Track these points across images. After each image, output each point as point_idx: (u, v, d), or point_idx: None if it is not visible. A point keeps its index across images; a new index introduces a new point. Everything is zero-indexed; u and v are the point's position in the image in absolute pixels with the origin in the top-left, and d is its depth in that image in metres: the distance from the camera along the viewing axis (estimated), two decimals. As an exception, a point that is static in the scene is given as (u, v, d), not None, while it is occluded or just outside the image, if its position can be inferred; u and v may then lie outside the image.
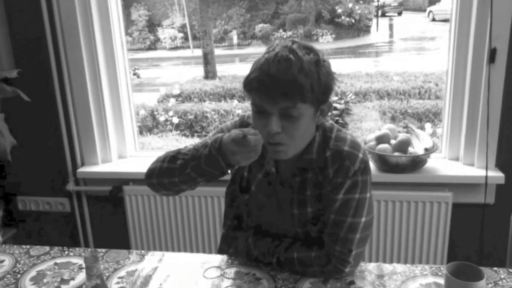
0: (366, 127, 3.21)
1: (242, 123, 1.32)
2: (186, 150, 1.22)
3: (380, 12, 5.65)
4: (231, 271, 1.31)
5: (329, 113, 1.25)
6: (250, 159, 1.11)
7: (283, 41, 1.15)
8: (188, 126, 3.68)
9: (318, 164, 1.23)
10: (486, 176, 2.02)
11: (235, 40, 5.21)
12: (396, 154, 2.05)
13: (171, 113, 3.69)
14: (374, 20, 5.42)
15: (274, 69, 1.08)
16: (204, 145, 1.17)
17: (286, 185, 1.29)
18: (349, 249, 1.21)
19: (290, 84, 1.07)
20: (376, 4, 5.47)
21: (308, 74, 1.08)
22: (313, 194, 1.25)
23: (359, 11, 5.06)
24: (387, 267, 1.31)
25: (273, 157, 1.22)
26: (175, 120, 3.61)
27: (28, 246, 1.48)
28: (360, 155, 1.21)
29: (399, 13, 6.10)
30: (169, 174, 1.22)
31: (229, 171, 1.18)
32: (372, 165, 2.12)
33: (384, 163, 2.07)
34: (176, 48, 5.34)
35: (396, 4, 6.10)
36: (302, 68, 1.08)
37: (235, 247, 1.39)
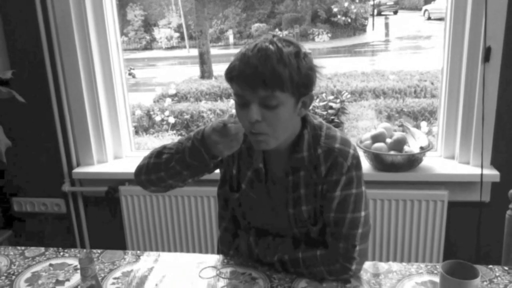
0: (362, 126, 3.21)
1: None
2: (171, 145, 1.25)
3: (376, 11, 5.66)
4: (227, 271, 1.31)
5: (311, 105, 1.26)
6: (232, 148, 1.13)
7: (264, 35, 1.16)
8: (185, 126, 3.67)
9: (310, 162, 1.23)
10: (482, 174, 2.03)
11: (231, 39, 5.21)
12: (392, 153, 2.05)
13: (167, 113, 3.68)
14: (370, 19, 5.43)
15: (254, 58, 1.09)
16: (188, 138, 1.20)
17: (278, 184, 1.29)
18: (353, 244, 1.21)
19: (268, 73, 1.08)
20: (372, 3, 5.48)
21: (286, 63, 1.09)
22: (307, 192, 1.25)
23: (355, 10, 5.07)
24: (383, 266, 1.31)
25: (255, 147, 1.22)
26: (171, 120, 3.61)
27: (23, 248, 1.48)
28: (351, 151, 1.22)
29: (395, 12, 6.11)
30: (156, 170, 1.25)
31: (212, 164, 1.19)
32: (368, 164, 2.13)
33: (380, 162, 2.07)
34: (172, 48, 5.33)
35: (392, 3, 6.11)
36: (281, 57, 1.09)
37: (235, 248, 1.39)
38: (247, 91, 1.11)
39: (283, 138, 1.20)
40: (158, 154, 1.26)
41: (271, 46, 1.10)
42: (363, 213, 1.22)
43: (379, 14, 5.72)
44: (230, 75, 1.14)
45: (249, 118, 1.12)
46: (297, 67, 1.11)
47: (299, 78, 1.11)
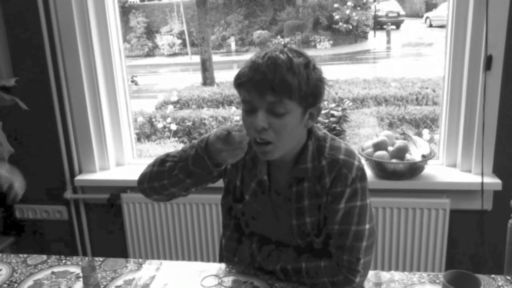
0: (364, 133, 3.22)
1: None
2: (174, 153, 1.25)
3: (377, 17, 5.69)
4: (228, 280, 1.31)
5: (318, 118, 1.26)
6: (236, 156, 1.13)
7: (275, 45, 1.17)
8: (186, 132, 3.68)
9: (314, 173, 1.23)
10: (482, 183, 2.03)
11: (233, 46, 5.23)
12: (394, 161, 2.05)
13: (169, 119, 3.69)
14: (372, 26, 5.44)
15: (263, 65, 1.10)
16: (191, 146, 1.20)
17: (282, 195, 1.28)
18: (357, 257, 1.20)
19: (277, 80, 1.09)
20: (373, 11, 5.51)
21: (296, 72, 1.10)
22: (310, 203, 1.25)
23: (356, 18, 5.10)
24: (385, 275, 1.31)
25: (260, 157, 1.22)
26: (173, 127, 3.62)
27: (25, 255, 1.48)
28: (356, 162, 1.22)
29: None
30: (159, 178, 1.24)
31: (216, 172, 1.18)
32: (369, 172, 2.13)
33: (382, 170, 2.07)
34: (174, 54, 5.36)
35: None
36: (291, 66, 1.10)
37: (239, 254, 1.38)
38: (255, 97, 1.12)
39: (288, 148, 1.20)
40: (161, 162, 1.26)
41: (281, 55, 1.11)
42: (367, 226, 1.22)
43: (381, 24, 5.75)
44: (239, 81, 1.14)
45: (256, 125, 1.12)
46: (306, 77, 1.11)
47: (308, 88, 1.12)
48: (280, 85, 1.09)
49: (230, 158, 1.12)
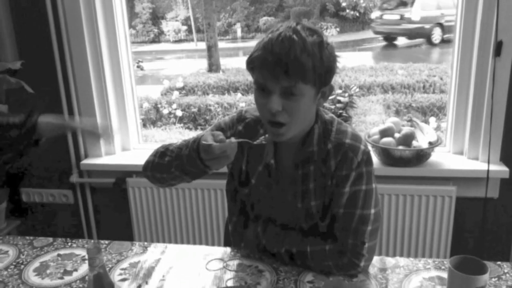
0: (370, 120, 3.20)
1: (240, 118, 1.33)
2: (173, 147, 1.25)
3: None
4: (233, 263, 1.31)
5: (330, 97, 1.24)
6: (221, 164, 1.12)
7: (287, 22, 1.15)
8: (192, 119, 3.67)
9: (320, 156, 1.22)
10: (488, 170, 2.01)
11: (239, 33, 5.20)
12: (400, 147, 2.04)
13: (174, 106, 3.68)
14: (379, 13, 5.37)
15: (277, 47, 1.08)
16: (186, 145, 1.19)
17: (288, 177, 1.28)
18: (362, 241, 1.20)
19: (292, 63, 1.07)
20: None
21: (310, 54, 1.08)
22: (316, 186, 1.25)
23: (363, 4, 5.03)
24: (390, 261, 1.30)
25: (272, 139, 1.22)
26: (179, 113, 3.61)
27: (31, 237, 1.49)
28: (362, 146, 1.21)
29: (404, 6, 6.06)
30: (159, 170, 1.27)
31: (210, 171, 1.17)
32: (376, 159, 2.12)
33: (388, 157, 2.06)
34: (179, 41, 5.33)
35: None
36: (305, 48, 1.08)
37: (245, 238, 1.38)
38: (269, 80, 1.11)
39: (300, 129, 1.20)
40: (161, 154, 1.27)
41: (295, 36, 1.09)
42: (373, 211, 1.21)
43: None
44: (253, 64, 1.13)
45: (269, 108, 1.11)
46: (320, 57, 1.10)
47: (321, 68, 1.11)
48: (294, 68, 1.07)
49: (215, 165, 1.12)
